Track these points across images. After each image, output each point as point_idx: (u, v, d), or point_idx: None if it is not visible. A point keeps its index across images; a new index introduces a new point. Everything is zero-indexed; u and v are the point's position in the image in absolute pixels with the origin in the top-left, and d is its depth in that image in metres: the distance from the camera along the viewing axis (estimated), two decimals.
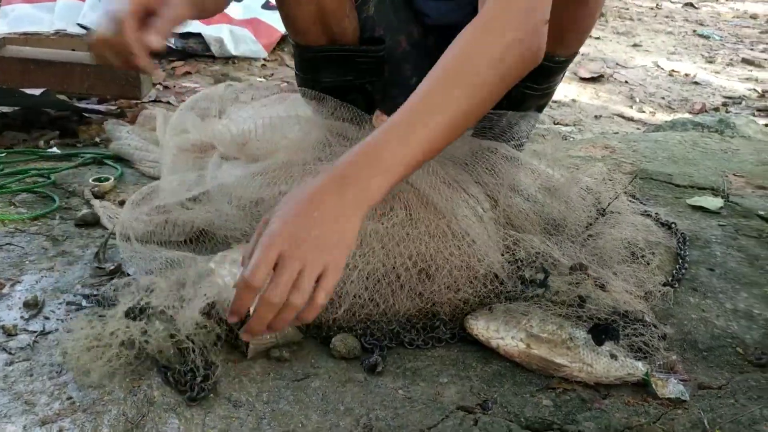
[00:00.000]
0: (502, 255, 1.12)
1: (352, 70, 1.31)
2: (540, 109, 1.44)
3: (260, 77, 2.96)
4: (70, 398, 0.88)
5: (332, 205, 0.83)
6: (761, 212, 1.63)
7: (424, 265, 1.05)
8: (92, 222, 1.33)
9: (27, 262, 1.17)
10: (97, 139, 1.88)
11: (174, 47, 2.97)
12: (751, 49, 4.32)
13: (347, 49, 1.28)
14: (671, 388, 0.95)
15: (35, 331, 0.99)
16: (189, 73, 2.86)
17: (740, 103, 3.24)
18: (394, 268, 1.04)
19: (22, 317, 1.02)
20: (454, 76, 0.90)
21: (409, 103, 0.89)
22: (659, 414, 0.92)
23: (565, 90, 3.17)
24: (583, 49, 4.05)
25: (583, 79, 3.37)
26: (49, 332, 1.00)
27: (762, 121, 2.76)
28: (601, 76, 3.43)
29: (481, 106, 0.93)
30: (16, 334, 0.98)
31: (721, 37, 4.56)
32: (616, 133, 2.60)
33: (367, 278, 1.02)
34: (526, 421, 0.89)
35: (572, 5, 1.16)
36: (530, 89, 1.28)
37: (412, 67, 1.36)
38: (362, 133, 1.18)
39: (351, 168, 0.86)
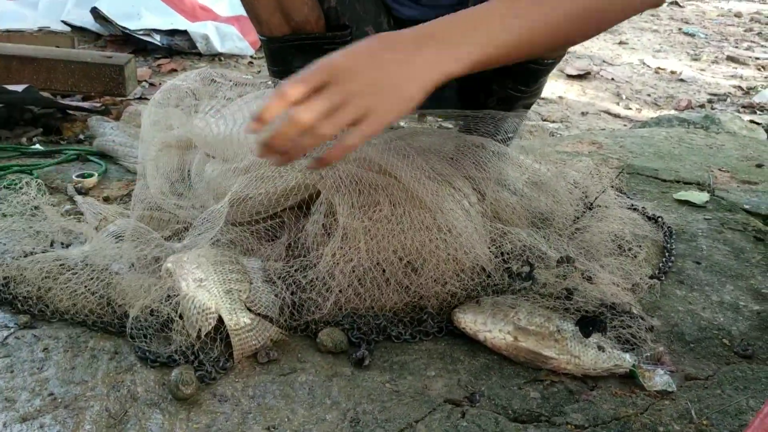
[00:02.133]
0: (489, 248, 1.11)
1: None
2: (527, 108, 1.45)
3: (247, 74, 2.95)
4: (51, 394, 0.86)
5: (405, 55, 0.78)
6: (746, 206, 1.64)
7: (410, 258, 1.04)
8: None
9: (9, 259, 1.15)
10: (81, 136, 1.86)
11: (159, 44, 2.94)
12: (736, 47, 4.34)
13: (313, 37, 1.27)
14: (658, 379, 0.95)
15: (15, 326, 0.98)
16: (175, 70, 2.84)
17: (725, 99, 3.26)
18: (379, 262, 1.03)
19: (2, 313, 1.01)
20: None
21: None
22: (647, 405, 0.92)
23: (553, 87, 3.17)
24: (570, 48, 4.07)
25: (570, 77, 3.38)
26: (31, 327, 0.98)
27: (746, 117, 2.78)
28: (588, 73, 3.44)
29: (589, 22, 0.88)
30: None
31: (706, 35, 4.59)
32: (603, 129, 2.60)
33: (352, 272, 1.02)
34: (513, 413, 0.89)
35: None
36: (519, 91, 1.28)
37: None
38: None
39: (442, 28, 0.81)
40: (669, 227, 1.42)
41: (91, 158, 1.62)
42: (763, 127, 2.58)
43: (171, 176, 1.29)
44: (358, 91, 0.77)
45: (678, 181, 1.77)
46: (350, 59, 0.79)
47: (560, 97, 3.10)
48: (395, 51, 0.79)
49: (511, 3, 0.84)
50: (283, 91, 0.77)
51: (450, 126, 1.39)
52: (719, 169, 1.90)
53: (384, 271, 1.03)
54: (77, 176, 1.48)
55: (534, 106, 2.84)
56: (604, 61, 3.75)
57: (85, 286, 1.00)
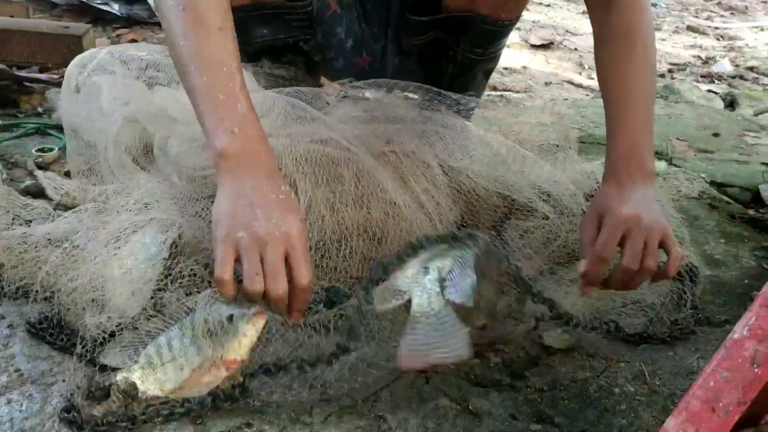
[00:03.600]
0: (455, 220, 1.13)
1: (282, 28, 1.30)
2: (488, 74, 1.46)
3: None
4: (18, 370, 0.86)
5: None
6: (702, 175, 1.69)
7: (375, 230, 1.06)
8: (36, 193, 1.30)
9: None
10: (40, 109, 1.82)
11: (118, 14, 2.87)
12: (696, 17, 4.41)
13: (274, 7, 1.27)
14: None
15: None
16: (135, 40, 2.77)
17: (685, 69, 3.31)
18: (345, 234, 1.04)
19: None
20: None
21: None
22: (603, 368, 0.96)
23: (517, 57, 3.19)
24: (533, 17, 4.07)
25: (534, 46, 3.39)
26: None
27: (704, 87, 2.84)
28: (552, 43, 3.46)
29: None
30: None
31: (667, 5, 4.64)
32: (566, 99, 2.63)
33: (317, 245, 1.03)
34: (476, 378, 0.92)
35: None
36: (477, 54, 1.29)
37: (345, 30, 1.35)
38: (303, 95, 1.18)
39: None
40: None
41: (51, 132, 1.59)
42: (720, 96, 2.64)
43: (133, 151, 1.28)
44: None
45: None
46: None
47: (524, 67, 3.11)
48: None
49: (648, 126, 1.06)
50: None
51: (416, 97, 1.40)
52: (677, 139, 1.94)
53: (350, 243, 1.04)
54: (37, 150, 1.46)
55: (497, 76, 2.86)
56: (567, 31, 3.78)
57: (50, 263, 0.99)
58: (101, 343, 0.87)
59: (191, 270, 0.99)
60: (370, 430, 0.81)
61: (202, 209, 1.12)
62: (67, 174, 1.37)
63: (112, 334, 0.89)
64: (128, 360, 0.85)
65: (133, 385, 0.81)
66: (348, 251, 1.05)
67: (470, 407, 0.86)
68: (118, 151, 1.24)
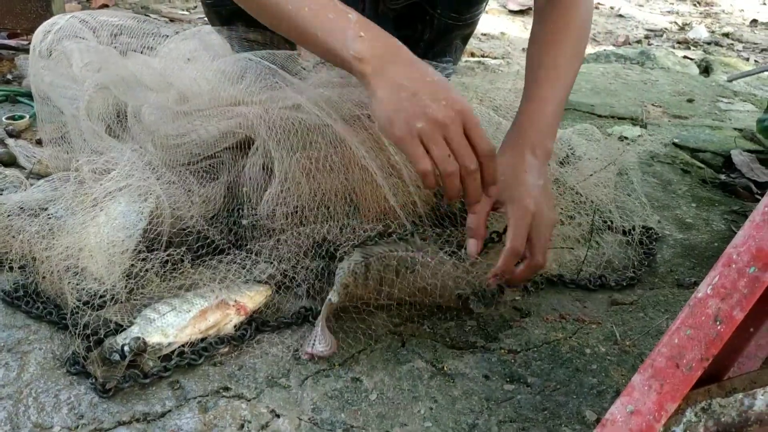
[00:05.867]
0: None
1: None
2: (465, 40, 1.46)
3: (183, 10, 2.85)
4: None
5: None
6: (675, 140, 1.71)
7: (352, 195, 1.06)
8: (8, 162, 1.28)
9: None
10: (9, 76, 1.78)
11: None
12: None
13: None
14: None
15: None
16: (106, 5, 2.72)
17: (661, 35, 3.32)
18: (322, 200, 1.05)
19: None
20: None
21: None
22: (575, 329, 0.98)
23: (494, 23, 3.17)
24: None
25: (512, 12, 3.38)
26: None
27: (680, 53, 2.85)
28: (530, 8, 3.44)
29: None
30: None
31: None
32: None
33: (294, 212, 1.03)
34: (451, 341, 0.93)
35: None
36: (454, 19, 1.29)
37: None
38: (277, 59, 1.17)
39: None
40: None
41: (22, 99, 1.56)
42: (695, 62, 2.65)
43: (107, 119, 1.26)
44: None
45: (613, 117, 1.83)
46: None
47: (502, 33, 3.10)
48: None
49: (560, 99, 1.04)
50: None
51: None
52: (652, 104, 1.96)
53: (327, 208, 1.05)
54: (7, 118, 1.43)
55: (475, 42, 2.85)
56: None
57: (26, 232, 0.99)
58: (96, 308, 0.88)
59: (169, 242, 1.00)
60: (347, 392, 0.83)
61: (179, 178, 1.12)
62: (39, 142, 1.35)
63: (102, 306, 0.89)
64: (125, 323, 0.87)
65: (137, 339, 0.82)
66: (326, 217, 1.05)
67: (445, 369, 0.88)
68: (91, 119, 1.22)
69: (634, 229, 1.20)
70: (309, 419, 0.78)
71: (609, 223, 1.20)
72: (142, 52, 1.48)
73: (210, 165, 1.13)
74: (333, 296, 0.88)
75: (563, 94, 1.05)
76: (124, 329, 0.86)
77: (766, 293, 0.53)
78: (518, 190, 0.95)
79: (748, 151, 1.64)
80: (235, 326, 0.90)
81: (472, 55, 2.69)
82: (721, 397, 0.59)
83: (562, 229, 1.14)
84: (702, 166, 1.59)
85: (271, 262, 1.00)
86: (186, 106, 1.16)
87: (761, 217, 0.52)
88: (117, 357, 0.81)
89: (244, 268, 0.98)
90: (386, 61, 0.85)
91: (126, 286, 0.92)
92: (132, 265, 0.95)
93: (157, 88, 1.24)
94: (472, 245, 0.95)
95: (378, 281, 0.93)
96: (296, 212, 1.04)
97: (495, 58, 2.74)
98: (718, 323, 0.54)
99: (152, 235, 1.00)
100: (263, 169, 1.08)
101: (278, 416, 0.78)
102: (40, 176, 1.20)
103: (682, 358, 0.55)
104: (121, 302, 0.90)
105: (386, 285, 0.93)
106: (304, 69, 1.22)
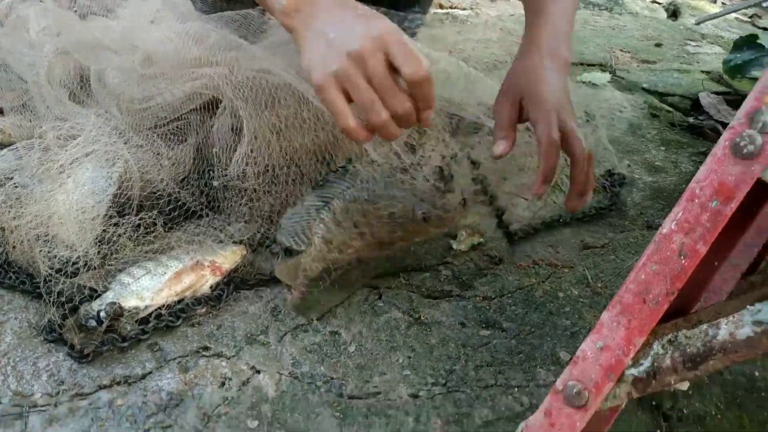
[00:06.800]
0: (404, 140, 1.14)
1: None
2: None
3: None
4: None
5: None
6: (644, 85, 1.72)
7: (324, 153, 1.05)
8: None
9: None
10: None
11: None
12: None
13: None
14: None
15: None
16: None
17: None
18: (293, 158, 1.04)
19: None
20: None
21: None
22: (548, 274, 1.00)
23: None
24: None
25: None
26: None
27: None
28: None
29: None
30: None
31: None
32: (512, 15, 2.61)
33: (265, 171, 1.02)
34: (426, 291, 0.94)
35: None
36: None
37: None
38: (243, 19, 1.15)
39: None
40: None
41: None
42: (663, 6, 2.65)
43: (70, 84, 1.23)
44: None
45: (582, 64, 1.83)
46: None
47: None
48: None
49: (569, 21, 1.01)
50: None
51: None
52: (621, 50, 1.96)
53: (299, 166, 1.04)
54: None
55: None
56: None
57: None
58: (70, 275, 0.87)
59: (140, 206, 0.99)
60: (326, 346, 0.84)
61: (147, 141, 1.11)
62: (0, 111, 1.32)
63: (75, 273, 0.89)
64: (100, 288, 0.87)
65: (112, 304, 0.82)
66: (298, 175, 1.04)
67: (422, 318, 0.89)
68: (53, 86, 1.19)
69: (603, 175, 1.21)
70: (289, 373, 0.79)
71: None
72: (105, 16, 1.44)
73: (178, 127, 1.11)
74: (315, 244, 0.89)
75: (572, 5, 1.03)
76: (100, 295, 0.86)
77: (729, 227, 0.55)
78: (538, 89, 0.92)
79: (716, 93, 1.66)
80: (211, 287, 0.90)
81: (441, 6, 2.66)
82: (687, 329, 0.61)
83: (531, 177, 1.15)
84: (670, 109, 1.60)
85: (245, 221, 1.00)
86: (151, 69, 1.14)
87: (722, 152, 0.53)
88: (93, 323, 0.81)
89: (216, 229, 0.98)
90: (311, 12, 0.77)
91: (99, 252, 0.91)
92: (104, 230, 0.94)
93: (121, 50, 1.22)
94: (501, 144, 0.91)
95: (353, 224, 0.93)
96: (267, 171, 1.03)
97: (464, 9, 2.71)
98: (682, 257, 0.55)
99: (123, 200, 0.99)
100: (232, 130, 1.07)
101: (258, 372, 0.79)
102: (3, 146, 1.17)
103: (649, 293, 0.57)
104: (95, 268, 0.90)
105: (361, 226, 0.93)
106: (271, 25, 1.20)
